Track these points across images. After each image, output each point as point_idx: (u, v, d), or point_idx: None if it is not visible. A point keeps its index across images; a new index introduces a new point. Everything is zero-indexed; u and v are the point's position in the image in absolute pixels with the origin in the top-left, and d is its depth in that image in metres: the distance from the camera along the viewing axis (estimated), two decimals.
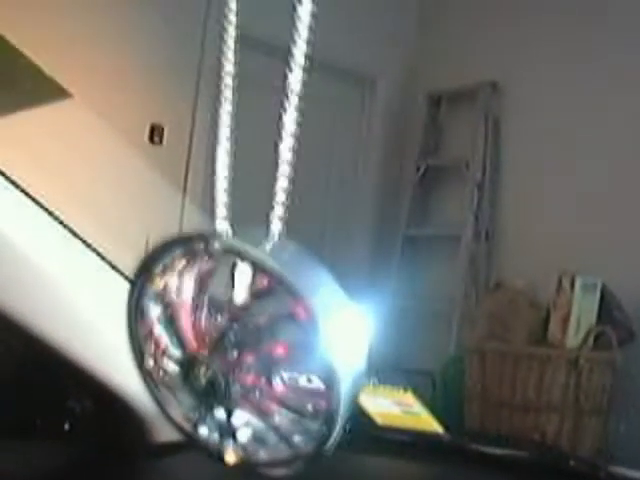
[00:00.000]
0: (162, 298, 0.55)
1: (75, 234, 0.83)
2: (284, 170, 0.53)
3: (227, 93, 0.55)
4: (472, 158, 5.39)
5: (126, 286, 0.83)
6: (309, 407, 0.53)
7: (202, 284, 0.54)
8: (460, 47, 5.64)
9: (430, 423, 1.10)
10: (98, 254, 0.86)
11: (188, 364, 0.55)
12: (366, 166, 5.92)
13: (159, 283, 0.55)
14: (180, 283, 0.55)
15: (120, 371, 0.85)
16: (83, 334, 0.86)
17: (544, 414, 4.10)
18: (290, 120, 0.53)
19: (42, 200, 0.79)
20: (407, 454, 1.03)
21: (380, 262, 5.64)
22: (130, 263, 0.83)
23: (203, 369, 0.54)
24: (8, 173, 0.79)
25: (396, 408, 1.10)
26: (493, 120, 5.43)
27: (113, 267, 0.86)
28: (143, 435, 0.90)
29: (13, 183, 0.77)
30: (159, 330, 0.56)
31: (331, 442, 0.52)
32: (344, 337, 0.50)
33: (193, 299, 0.55)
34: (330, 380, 0.50)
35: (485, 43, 5.47)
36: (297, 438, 0.54)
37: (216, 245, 0.52)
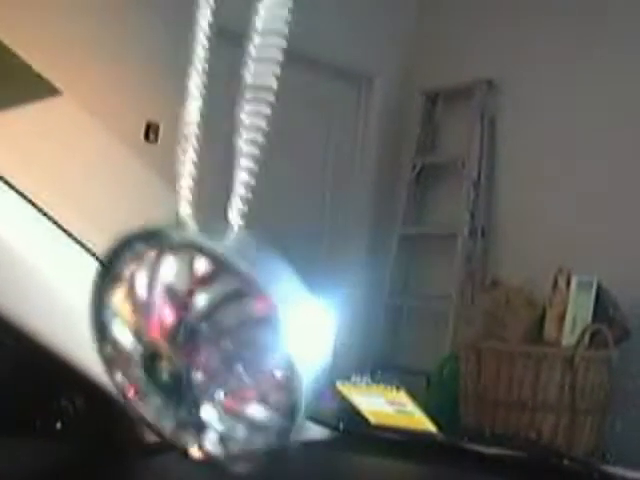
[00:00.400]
0: (127, 291, 0.56)
1: (67, 233, 0.83)
2: (244, 163, 0.52)
3: (193, 90, 0.56)
4: (468, 156, 5.39)
5: None
6: (272, 402, 0.53)
7: (164, 277, 0.54)
8: (456, 45, 5.64)
9: (423, 422, 1.10)
10: (91, 253, 0.86)
11: (150, 358, 0.55)
12: (362, 164, 5.92)
13: (124, 276, 0.55)
14: (144, 276, 0.55)
15: None
16: (76, 333, 0.85)
17: (540, 413, 4.10)
18: (251, 112, 0.53)
19: (33, 198, 0.79)
20: (400, 453, 1.03)
21: (376, 260, 5.64)
22: None
23: (165, 363, 0.55)
24: (3, 174, 0.78)
25: (389, 407, 1.10)
26: (489, 118, 5.44)
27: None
28: (135, 433, 0.89)
29: (5, 182, 0.77)
30: (122, 323, 0.56)
31: (293, 436, 0.53)
32: (305, 332, 0.50)
33: (157, 293, 0.55)
34: (291, 375, 0.50)
35: (481, 41, 5.47)
36: (260, 434, 0.54)
37: (176, 239, 0.52)
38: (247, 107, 0.53)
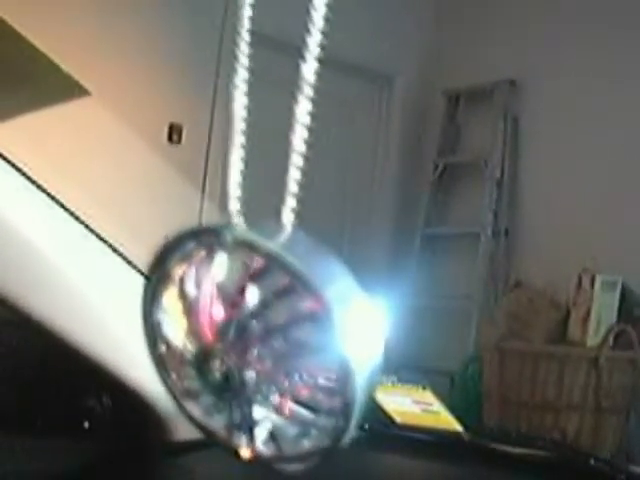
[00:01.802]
0: (178, 291, 0.55)
1: (93, 232, 0.83)
2: (296, 161, 0.52)
3: (240, 85, 0.55)
4: (491, 156, 5.37)
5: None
6: (324, 402, 0.53)
7: (216, 277, 0.54)
8: (478, 45, 5.62)
9: (449, 422, 1.10)
10: (117, 252, 0.87)
11: (203, 358, 0.55)
12: (384, 165, 5.91)
13: (174, 276, 0.55)
14: (195, 276, 0.54)
15: (139, 369, 0.85)
16: (103, 333, 0.86)
17: (564, 413, 4.08)
18: (302, 111, 0.52)
19: (61, 199, 0.80)
20: (426, 453, 1.03)
21: (399, 261, 5.63)
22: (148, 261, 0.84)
23: (218, 362, 0.54)
24: (32, 175, 0.79)
25: (415, 406, 1.10)
26: (512, 118, 5.41)
27: (133, 266, 0.86)
28: (162, 433, 0.90)
29: (33, 182, 0.78)
30: (173, 323, 0.56)
31: (347, 437, 0.52)
32: (359, 331, 0.50)
33: (208, 292, 0.54)
34: (345, 375, 0.50)
35: (503, 41, 5.45)
36: (313, 434, 0.54)
37: (228, 237, 0.51)
38: (302, 105, 0.52)
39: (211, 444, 0.86)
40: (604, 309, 4.18)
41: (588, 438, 4.03)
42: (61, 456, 0.93)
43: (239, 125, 0.56)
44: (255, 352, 0.53)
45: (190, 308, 0.55)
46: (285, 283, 0.50)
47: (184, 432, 0.89)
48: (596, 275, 4.20)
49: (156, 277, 0.55)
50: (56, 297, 0.83)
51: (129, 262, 0.86)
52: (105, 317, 0.86)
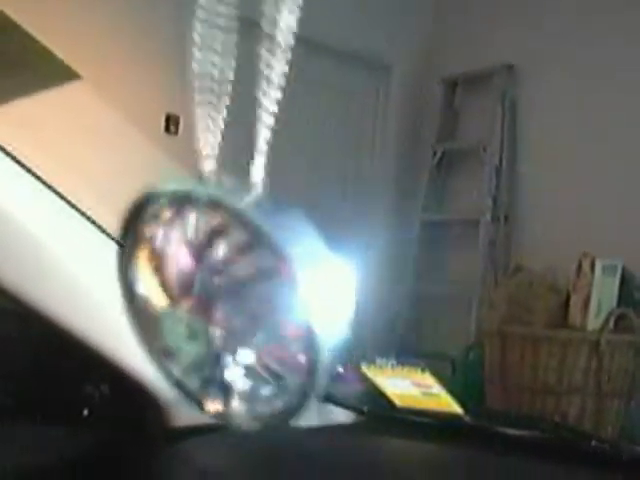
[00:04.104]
0: (149, 250, 0.56)
1: (87, 217, 0.83)
2: (265, 119, 0.52)
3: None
4: (489, 141, 5.36)
5: None
6: (291, 361, 0.53)
7: (185, 235, 0.55)
8: (475, 30, 5.60)
9: (449, 404, 1.10)
10: (113, 239, 0.86)
11: (172, 313, 0.56)
12: (382, 152, 5.90)
13: (145, 235, 0.56)
14: (165, 233, 0.55)
15: (138, 356, 0.85)
16: (101, 320, 0.86)
17: (565, 397, 4.08)
18: (276, 71, 0.52)
19: (52, 184, 0.79)
20: (426, 436, 1.03)
21: (399, 247, 5.63)
22: None
23: (186, 318, 0.55)
24: (25, 161, 0.78)
25: (415, 389, 1.10)
26: (510, 103, 5.40)
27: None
28: (161, 420, 0.90)
29: (24, 167, 0.77)
30: (147, 281, 0.57)
31: (313, 396, 0.52)
32: (324, 289, 0.50)
33: (176, 249, 0.55)
34: (308, 333, 0.50)
35: (500, 25, 5.43)
36: (282, 393, 0.55)
37: (196, 196, 0.52)
38: (276, 62, 0.52)
39: (211, 430, 0.86)
40: (604, 293, 4.18)
41: (589, 422, 4.04)
42: (60, 444, 0.93)
43: (214, 87, 0.56)
44: (221, 309, 0.54)
45: (160, 265, 0.56)
46: (246, 240, 0.51)
47: (183, 418, 0.89)
48: (596, 259, 4.20)
49: (130, 236, 0.56)
50: (53, 285, 0.83)
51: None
52: (103, 305, 0.86)
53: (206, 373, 0.57)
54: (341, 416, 1.04)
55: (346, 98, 5.71)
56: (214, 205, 0.52)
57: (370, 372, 1.11)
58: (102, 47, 4.56)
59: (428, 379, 1.10)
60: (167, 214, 0.54)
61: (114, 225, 0.85)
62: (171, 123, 4.88)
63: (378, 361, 1.15)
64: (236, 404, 0.56)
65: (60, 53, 0.98)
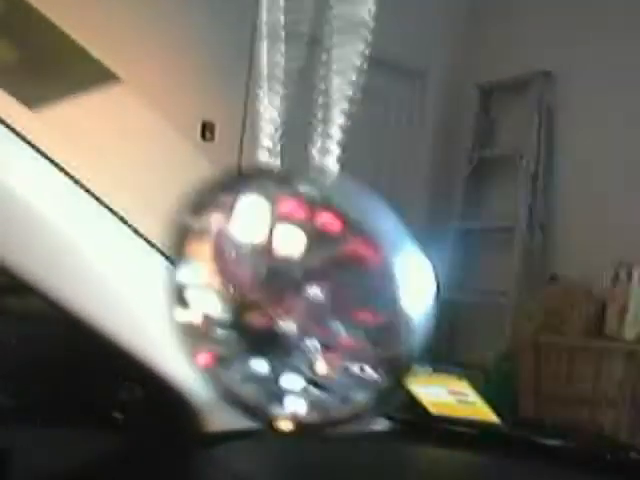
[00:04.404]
0: (208, 245, 0.51)
1: (124, 221, 0.83)
2: (340, 105, 0.49)
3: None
4: (525, 149, 5.32)
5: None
6: (371, 356, 0.48)
7: (251, 224, 0.49)
8: (511, 36, 5.56)
9: (485, 413, 1.08)
10: (149, 243, 0.86)
11: (240, 311, 0.50)
12: (418, 159, 5.88)
13: (202, 229, 0.50)
14: (225, 225, 0.50)
15: (171, 359, 0.85)
16: (135, 323, 0.85)
17: (601, 408, 4.04)
18: (356, 52, 0.50)
19: (91, 189, 0.79)
20: (462, 445, 1.02)
21: (433, 255, 5.58)
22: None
23: (254, 315, 0.49)
24: (62, 164, 0.78)
25: (450, 397, 1.08)
26: (547, 110, 5.36)
27: (166, 258, 0.86)
28: (195, 424, 0.89)
29: (62, 170, 0.77)
30: (201, 281, 0.51)
31: (395, 395, 0.48)
32: (413, 279, 0.46)
33: (240, 241, 0.49)
34: (397, 325, 0.45)
35: (537, 31, 5.39)
36: (359, 393, 0.49)
37: (270, 182, 0.47)
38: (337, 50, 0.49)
39: (246, 434, 0.85)
40: None
41: (625, 433, 3.99)
42: (93, 448, 0.92)
43: (271, 73, 0.52)
44: (295, 300, 0.48)
45: (223, 259, 0.50)
46: (334, 227, 0.46)
47: (217, 423, 0.89)
48: (633, 267, 4.15)
49: (182, 233, 0.50)
50: (89, 288, 0.83)
51: (165, 255, 0.86)
52: (138, 308, 0.86)
53: (269, 377, 0.50)
54: (375, 424, 1.03)
55: (382, 105, 5.70)
56: (291, 190, 0.46)
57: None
58: (140, 53, 4.59)
59: (464, 387, 1.08)
60: (230, 202, 0.49)
61: (153, 230, 0.85)
62: (207, 130, 4.91)
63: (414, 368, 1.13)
64: (304, 412, 0.50)
65: (98, 53, 0.98)
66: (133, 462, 0.92)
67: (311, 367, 0.49)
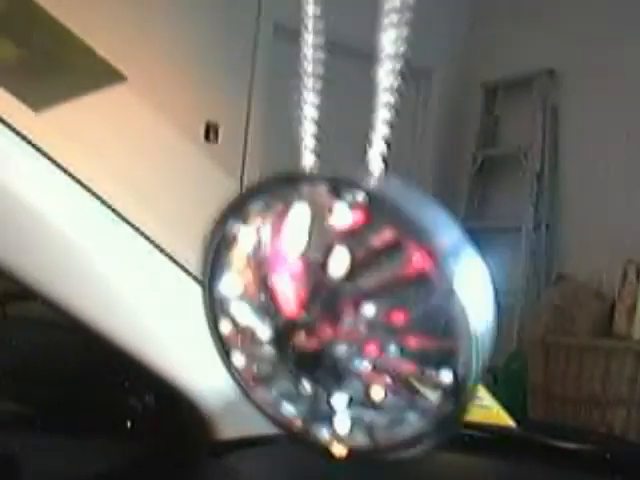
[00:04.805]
0: (250, 255, 0.46)
1: (130, 224, 0.81)
2: (385, 98, 0.44)
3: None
4: (530, 148, 5.31)
5: (189, 283, 0.81)
6: (428, 378, 0.43)
7: (297, 233, 0.44)
8: (515, 35, 5.55)
9: (501, 417, 1.06)
10: (158, 249, 0.84)
11: (285, 332, 0.46)
12: (422, 158, 5.87)
13: (245, 236, 0.46)
14: (270, 234, 0.45)
15: (182, 368, 0.84)
16: (145, 331, 0.84)
17: (610, 408, 4.02)
18: (389, 38, 0.45)
19: (96, 190, 0.77)
20: (478, 449, 1.00)
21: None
22: (190, 257, 0.81)
23: (301, 336, 0.45)
24: (67, 166, 0.77)
25: None
26: (551, 108, 5.34)
27: (174, 262, 0.84)
28: (206, 432, 0.88)
29: (66, 172, 0.76)
30: (244, 294, 0.47)
31: (456, 420, 0.43)
32: (474, 292, 0.41)
33: (287, 253, 0.45)
34: (458, 343, 0.41)
35: (541, 30, 5.38)
36: (412, 418, 0.44)
37: (309, 182, 0.42)
38: (388, 35, 0.44)
39: (257, 443, 0.84)
40: None
41: (635, 433, 3.97)
42: (103, 456, 0.91)
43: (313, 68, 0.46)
44: (347, 320, 0.43)
45: (265, 273, 0.46)
46: (386, 235, 0.41)
47: (228, 431, 0.87)
48: None
49: (219, 239, 0.46)
50: (99, 295, 0.82)
51: (174, 260, 0.84)
52: (148, 316, 0.84)
53: (316, 400, 0.46)
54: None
55: None
56: (344, 199, 0.42)
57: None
58: (144, 54, 4.58)
59: (480, 391, 1.06)
60: (278, 208, 0.44)
61: (158, 232, 0.83)
62: (211, 131, 4.90)
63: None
64: (349, 436, 0.46)
65: (104, 53, 0.97)
66: (143, 470, 0.90)
67: (362, 391, 0.46)
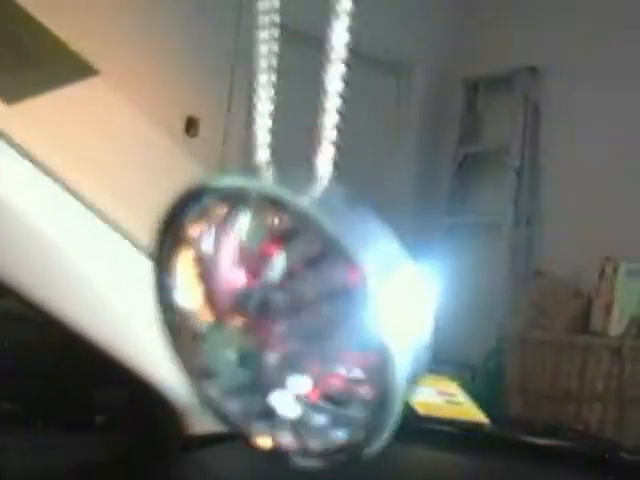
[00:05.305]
0: (193, 254, 0.48)
1: (101, 217, 0.81)
2: (334, 103, 0.44)
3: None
4: (511, 144, 5.32)
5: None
6: (357, 392, 0.45)
7: (238, 239, 0.46)
8: (497, 32, 5.57)
9: (473, 413, 1.07)
10: (131, 243, 0.84)
11: (219, 333, 0.48)
12: (404, 154, 5.88)
13: (190, 236, 0.47)
14: (213, 236, 0.47)
15: (155, 362, 0.83)
16: (118, 326, 0.84)
17: (587, 404, 4.04)
18: (338, 43, 0.45)
19: (67, 182, 0.77)
20: (450, 445, 1.01)
21: (420, 251, 5.58)
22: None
23: (236, 339, 0.47)
24: (40, 159, 0.77)
25: (439, 398, 1.07)
26: (532, 105, 5.36)
27: (148, 257, 0.84)
28: (179, 427, 0.88)
29: (38, 164, 0.75)
30: (187, 290, 0.48)
31: (381, 436, 0.44)
32: (403, 308, 0.41)
33: (228, 257, 0.46)
34: (382, 361, 0.41)
35: (523, 27, 5.40)
36: (342, 428, 0.46)
37: (253, 192, 0.43)
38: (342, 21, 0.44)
39: (228, 438, 0.84)
40: (627, 297, 4.13)
41: (611, 429, 4.00)
42: (76, 451, 0.91)
43: (263, 64, 0.47)
44: (279, 330, 0.45)
45: (207, 274, 0.47)
46: (317, 249, 0.42)
47: (201, 426, 0.87)
48: (619, 263, 4.15)
49: (169, 236, 0.47)
50: (70, 289, 0.81)
51: (144, 252, 0.84)
52: (121, 310, 0.84)
53: (252, 400, 0.48)
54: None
55: (367, 100, 5.69)
56: (275, 204, 0.43)
57: None
58: (123, 49, 4.56)
59: (452, 387, 1.07)
60: (219, 212, 0.45)
61: (133, 227, 0.83)
62: (191, 125, 4.89)
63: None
64: (285, 437, 0.47)
65: (80, 48, 0.96)
66: (116, 466, 0.90)
67: (294, 397, 0.47)
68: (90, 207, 0.79)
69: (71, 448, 0.92)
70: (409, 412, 1.04)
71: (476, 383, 4.56)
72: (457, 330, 5.43)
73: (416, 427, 1.08)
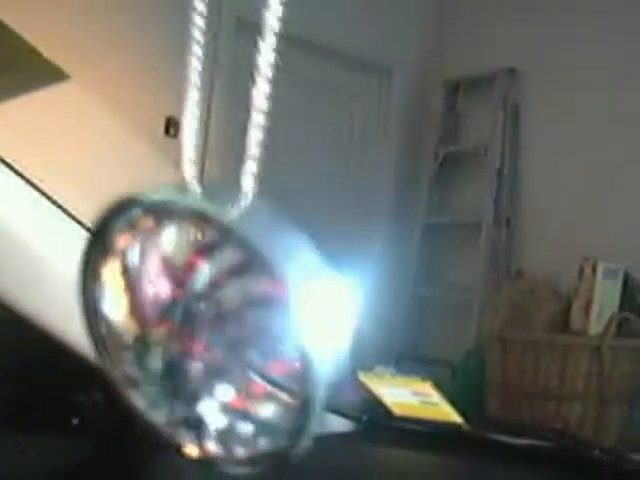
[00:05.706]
0: (119, 265, 0.49)
1: (75, 219, 0.81)
2: (258, 119, 0.46)
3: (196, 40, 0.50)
4: (491, 145, 5.35)
5: None
6: (281, 399, 0.47)
7: (163, 251, 0.47)
8: (477, 33, 5.59)
9: (449, 413, 1.08)
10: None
11: (142, 343, 0.49)
12: (384, 155, 5.89)
13: (116, 247, 0.48)
14: (139, 248, 0.48)
15: None
16: None
17: (566, 403, 4.06)
18: (265, 62, 0.46)
19: (40, 186, 0.77)
20: (425, 445, 1.01)
21: (400, 250, 5.61)
22: None
23: (159, 349, 0.48)
24: (17, 168, 0.77)
25: (414, 398, 1.08)
26: (512, 106, 5.38)
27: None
28: (154, 428, 0.88)
29: (12, 169, 0.75)
30: (114, 300, 0.49)
31: (305, 439, 0.45)
32: (322, 317, 0.42)
33: (152, 268, 0.48)
34: (304, 368, 0.43)
35: (503, 28, 5.42)
36: (267, 434, 0.48)
37: (178, 205, 0.45)
38: (265, 55, 0.46)
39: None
40: (606, 297, 4.16)
41: (591, 428, 4.02)
42: (50, 453, 0.91)
43: (194, 76, 0.51)
44: (203, 340, 0.47)
45: (133, 285, 0.49)
46: (239, 261, 0.44)
47: None
48: (598, 263, 4.18)
49: (97, 247, 0.48)
50: (44, 291, 0.81)
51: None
52: None
53: (178, 408, 0.49)
54: (338, 425, 1.02)
55: (347, 101, 5.70)
56: (199, 217, 0.44)
57: (368, 380, 1.09)
58: (100, 49, 4.55)
59: (427, 388, 1.08)
60: (146, 225, 0.47)
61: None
62: (171, 126, 4.88)
63: (377, 369, 1.13)
64: (212, 445, 0.49)
65: (56, 54, 0.96)
66: (90, 467, 0.90)
67: (217, 406, 0.48)
68: (60, 207, 0.79)
69: (48, 450, 0.92)
70: (385, 412, 1.05)
71: (456, 382, 4.58)
72: (437, 329, 5.46)
73: (391, 428, 1.08)
